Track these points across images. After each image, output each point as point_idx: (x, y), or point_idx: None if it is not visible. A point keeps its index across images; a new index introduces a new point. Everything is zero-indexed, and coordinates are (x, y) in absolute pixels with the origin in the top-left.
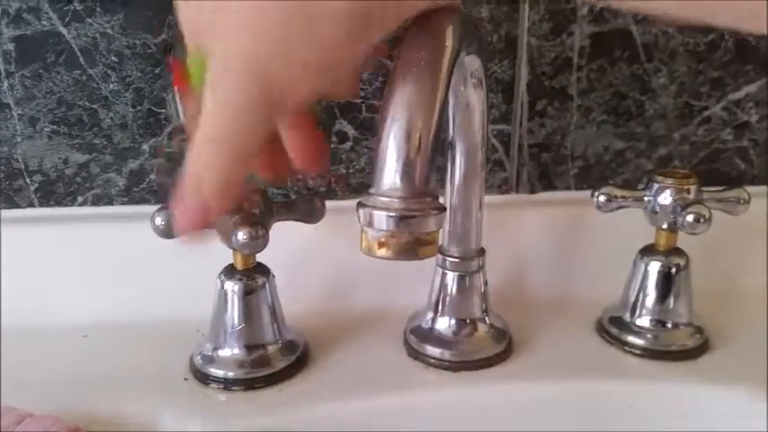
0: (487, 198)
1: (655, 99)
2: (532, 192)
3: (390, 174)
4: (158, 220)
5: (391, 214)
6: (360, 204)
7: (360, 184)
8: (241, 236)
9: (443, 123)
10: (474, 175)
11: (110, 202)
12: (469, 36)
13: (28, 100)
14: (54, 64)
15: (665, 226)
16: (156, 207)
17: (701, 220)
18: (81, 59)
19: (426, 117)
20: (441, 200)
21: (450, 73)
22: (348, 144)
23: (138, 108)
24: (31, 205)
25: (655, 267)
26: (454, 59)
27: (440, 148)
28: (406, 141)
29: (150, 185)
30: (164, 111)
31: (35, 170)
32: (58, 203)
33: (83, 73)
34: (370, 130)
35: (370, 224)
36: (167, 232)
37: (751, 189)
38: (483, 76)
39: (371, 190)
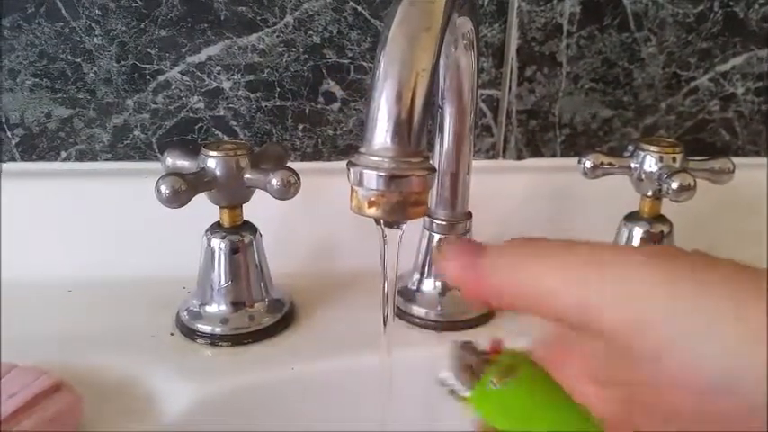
0: (475, 163)
1: (643, 68)
2: (519, 158)
3: (381, 133)
4: (163, 189)
5: (382, 174)
6: (350, 163)
7: (347, 146)
8: (275, 182)
9: (435, 84)
10: (463, 139)
11: (94, 158)
12: None
13: (8, 52)
14: (35, 15)
15: (650, 193)
16: (142, 164)
17: (686, 188)
18: (63, 11)
19: (419, 76)
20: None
21: (444, 33)
22: (336, 105)
23: (123, 63)
24: (13, 159)
25: (638, 233)
26: (447, 19)
27: (431, 109)
28: (397, 101)
29: (135, 142)
30: (148, 66)
31: (16, 124)
32: (41, 158)
33: (65, 25)
34: (359, 91)
35: (360, 183)
36: (171, 200)
37: (736, 160)
38: (474, 39)
39: (362, 149)
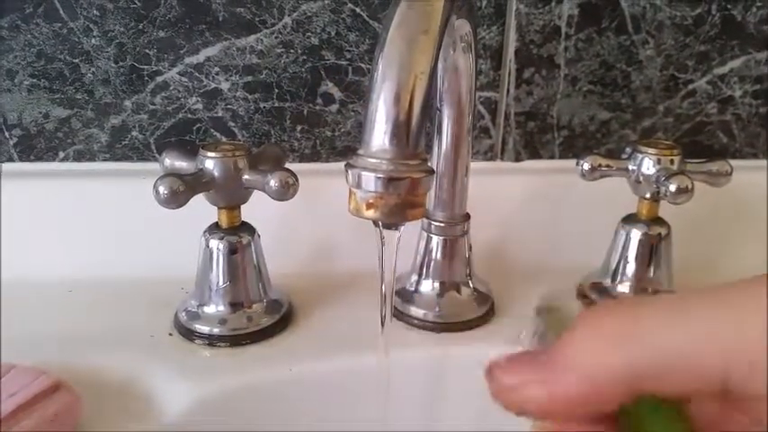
0: (473, 165)
1: (641, 70)
2: (518, 159)
3: (380, 135)
4: (162, 189)
5: (380, 176)
6: (348, 165)
7: (345, 148)
8: (273, 183)
9: (433, 87)
10: (461, 141)
11: (92, 159)
12: None
13: (5, 52)
14: (33, 15)
15: (647, 195)
16: (140, 165)
17: (684, 191)
18: (61, 12)
19: (417, 78)
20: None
21: (442, 35)
22: (334, 107)
23: (121, 64)
24: (11, 160)
25: (636, 235)
26: (445, 22)
27: (429, 111)
28: (395, 103)
29: (133, 142)
30: (146, 67)
31: (14, 124)
32: (39, 158)
33: (63, 26)
34: (357, 92)
35: (358, 185)
36: (169, 201)
37: (733, 162)
38: (472, 41)
39: (360, 151)
